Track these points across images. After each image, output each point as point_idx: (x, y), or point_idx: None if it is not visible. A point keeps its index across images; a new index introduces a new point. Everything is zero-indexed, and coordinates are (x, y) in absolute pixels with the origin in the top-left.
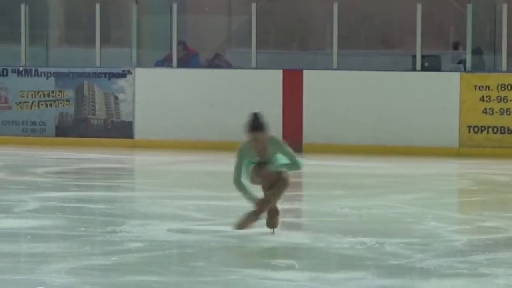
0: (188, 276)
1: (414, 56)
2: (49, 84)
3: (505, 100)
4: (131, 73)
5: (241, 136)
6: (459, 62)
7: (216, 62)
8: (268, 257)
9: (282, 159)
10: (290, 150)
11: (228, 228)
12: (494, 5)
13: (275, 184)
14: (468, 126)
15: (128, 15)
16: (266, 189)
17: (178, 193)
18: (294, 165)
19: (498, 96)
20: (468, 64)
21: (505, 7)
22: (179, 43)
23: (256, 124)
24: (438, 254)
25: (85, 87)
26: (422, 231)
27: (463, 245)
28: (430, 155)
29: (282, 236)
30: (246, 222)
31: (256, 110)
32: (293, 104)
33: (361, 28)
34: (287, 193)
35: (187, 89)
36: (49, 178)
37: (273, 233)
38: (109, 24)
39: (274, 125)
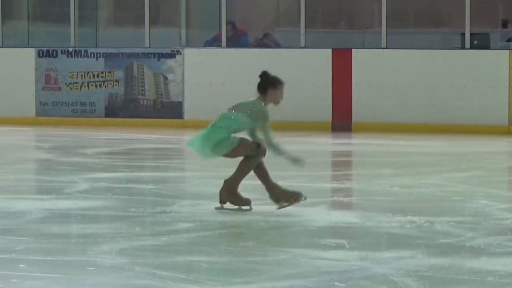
0: (237, 256)
1: (463, 34)
2: (98, 65)
3: None
4: (180, 53)
5: (291, 115)
6: (508, 40)
7: (265, 41)
8: (317, 236)
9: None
10: None
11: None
12: None
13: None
14: None
15: None
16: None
17: (228, 173)
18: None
19: None
20: None
21: None
22: (228, 22)
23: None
24: (488, 232)
25: (135, 67)
26: (472, 209)
27: None
28: (479, 133)
29: (331, 216)
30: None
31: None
32: (342, 83)
33: (410, 6)
34: (336, 172)
35: (236, 68)
36: (99, 159)
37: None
38: (158, 4)
39: (323, 104)
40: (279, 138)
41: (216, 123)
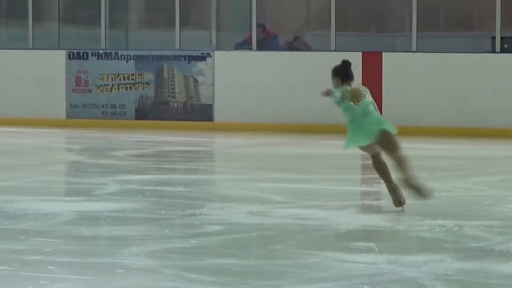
0: (267, 259)
1: (493, 38)
2: (129, 67)
3: None
4: (211, 56)
5: (321, 118)
6: None
7: (295, 44)
8: (347, 240)
9: None
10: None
11: (307, 211)
12: None
13: None
14: None
15: None
16: None
17: (258, 176)
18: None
19: None
20: None
21: None
22: (258, 25)
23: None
24: None
25: (165, 70)
26: (501, 213)
27: None
28: (509, 137)
29: (361, 219)
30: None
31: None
32: (372, 86)
33: (440, 9)
34: (366, 175)
35: (267, 71)
36: (129, 161)
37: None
38: (188, 7)
39: None
40: (307, 141)
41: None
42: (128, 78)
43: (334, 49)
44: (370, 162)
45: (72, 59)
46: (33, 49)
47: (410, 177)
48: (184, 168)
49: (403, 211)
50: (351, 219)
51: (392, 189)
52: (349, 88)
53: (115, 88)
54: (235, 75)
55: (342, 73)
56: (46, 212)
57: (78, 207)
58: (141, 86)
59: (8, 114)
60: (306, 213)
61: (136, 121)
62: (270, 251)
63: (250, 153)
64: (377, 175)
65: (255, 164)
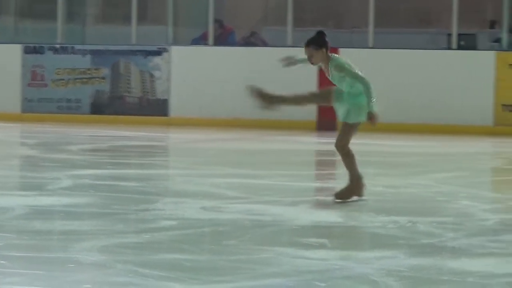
0: (220, 254)
1: (450, 35)
2: (85, 62)
3: None
4: (167, 51)
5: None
6: (495, 41)
7: (252, 40)
8: (300, 235)
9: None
10: (352, 70)
11: (261, 207)
12: None
13: None
14: (503, 105)
15: None
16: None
17: (212, 171)
18: (363, 88)
19: None
20: (504, 42)
21: None
22: (215, 21)
23: (309, 39)
24: (470, 233)
25: (121, 65)
26: (454, 210)
27: (496, 224)
28: (464, 134)
29: (314, 215)
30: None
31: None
32: (328, 82)
33: (398, 6)
34: (320, 171)
35: (223, 67)
36: (84, 156)
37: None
38: (145, 2)
39: None
40: (263, 136)
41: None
42: (84, 72)
43: (291, 45)
44: (324, 158)
45: (28, 53)
46: None
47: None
48: (139, 163)
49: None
50: (305, 215)
51: (360, 178)
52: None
53: (71, 83)
54: (192, 70)
55: (326, 43)
56: None
57: (31, 202)
58: (97, 80)
59: None
60: (259, 208)
61: (92, 115)
62: (223, 246)
63: (205, 148)
64: (330, 171)
65: (209, 160)
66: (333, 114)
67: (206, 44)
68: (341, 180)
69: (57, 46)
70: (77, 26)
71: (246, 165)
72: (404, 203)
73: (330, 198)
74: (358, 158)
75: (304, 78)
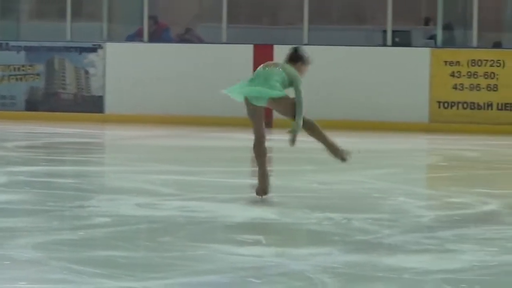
0: (155, 251)
1: (384, 32)
2: (19, 58)
3: (475, 76)
4: (102, 48)
5: (212, 110)
6: (430, 38)
7: (187, 36)
8: (235, 232)
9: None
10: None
11: (195, 203)
12: None
13: None
14: (438, 102)
15: None
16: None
17: (147, 168)
18: (297, 104)
19: (468, 72)
20: (439, 39)
21: None
22: (150, 17)
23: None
24: (405, 230)
25: (56, 61)
26: (390, 206)
27: (431, 221)
28: (400, 131)
29: (249, 212)
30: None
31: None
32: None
33: (332, 3)
34: (256, 168)
35: (158, 63)
36: (18, 153)
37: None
38: None
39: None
40: (198, 133)
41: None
42: (18, 69)
43: (225, 41)
44: None
45: None
46: None
47: None
48: (74, 160)
49: (261, 200)
50: (240, 212)
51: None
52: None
53: (5, 79)
54: (127, 67)
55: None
56: None
57: None
58: (31, 77)
59: None
60: (194, 205)
61: (27, 112)
62: (158, 243)
63: (140, 145)
64: (268, 168)
65: (144, 156)
66: (268, 110)
67: (141, 40)
68: (276, 176)
69: None
70: (11, 22)
71: (181, 161)
72: (339, 199)
73: (265, 195)
74: (291, 155)
75: (240, 73)
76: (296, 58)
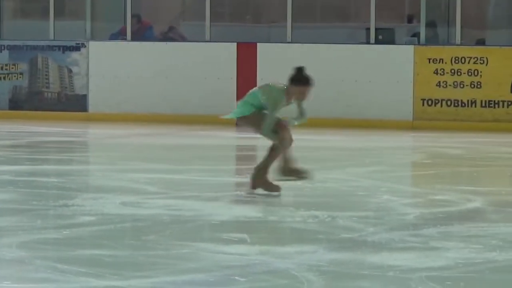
0: (139, 250)
1: (368, 29)
2: (2, 57)
3: (459, 73)
4: (85, 46)
5: (195, 108)
6: (413, 35)
7: (170, 35)
8: (220, 231)
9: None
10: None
11: (180, 202)
12: None
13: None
14: (422, 99)
15: None
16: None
17: (132, 167)
18: (266, 122)
19: (451, 69)
20: (422, 37)
21: None
22: (133, 16)
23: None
24: (390, 227)
25: (39, 60)
26: (374, 204)
27: (415, 218)
28: (384, 128)
29: (234, 210)
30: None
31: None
32: (247, 77)
33: (316, 0)
34: (240, 166)
35: (141, 62)
36: (2, 152)
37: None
38: None
39: (228, 98)
40: (182, 131)
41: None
42: (2, 68)
43: (209, 39)
44: (244, 153)
45: None
46: None
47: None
48: (58, 159)
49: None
50: (224, 210)
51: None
52: None
53: None
54: (110, 66)
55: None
56: None
57: None
58: (15, 76)
59: None
60: (179, 203)
61: (10, 111)
62: (143, 242)
63: (124, 144)
64: (250, 166)
65: (129, 155)
66: None
67: (124, 39)
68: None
69: None
70: None
71: (166, 160)
72: (324, 197)
73: (250, 194)
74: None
75: (223, 71)
76: (292, 79)
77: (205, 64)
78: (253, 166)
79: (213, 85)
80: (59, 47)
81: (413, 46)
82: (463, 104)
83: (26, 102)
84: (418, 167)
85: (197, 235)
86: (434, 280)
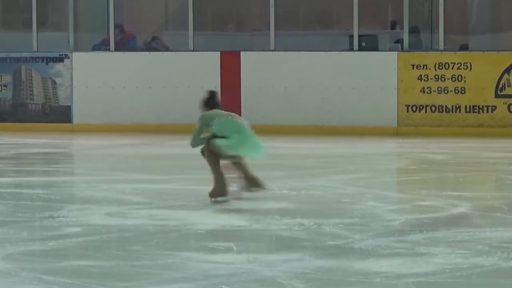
0: (125, 260)
1: (351, 36)
2: None
3: (443, 79)
4: (69, 57)
5: (179, 118)
6: (397, 42)
7: (153, 45)
8: (205, 240)
9: None
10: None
11: (166, 212)
12: None
13: None
14: (406, 105)
15: None
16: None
17: (116, 177)
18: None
19: (435, 75)
20: (406, 43)
21: None
22: (116, 26)
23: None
24: (376, 234)
25: (23, 71)
26: (360, 211)
27: (401, 224)
28: (368, 135)
29: (219, 219)
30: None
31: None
32: (231, 86)
33: (298, 8)
34: (224, 175)
35: (125, 72)
36: None
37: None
38: (46, 8)
39: None
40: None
41: None
42: None
43: (192, 49)
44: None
45: None
46: None
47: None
48: (43, 170)
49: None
50: (210, 219)
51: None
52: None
53: None
54: (94, 76)
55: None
56: None
57: None
58: None
59: None
60: (164, 213)
61: None
62: (129, 252)
63: (109, 154)
64: (233, 175)
65: (113, 165)
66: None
67: (107, 49)
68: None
69: None
70: None
71: (150, 170)
72: (309, 205)
73: (235, 202)
74: (260, 161)
75: (207, 80)
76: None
77: (188, 73)
78: (235, 175)
79: (197, 94)
80: (42, 58)
81: (396, 52)
82: (447, 110)
83: (10, 114)
84: (403, 173)
85: (182, 245)
86: (421, 286)
